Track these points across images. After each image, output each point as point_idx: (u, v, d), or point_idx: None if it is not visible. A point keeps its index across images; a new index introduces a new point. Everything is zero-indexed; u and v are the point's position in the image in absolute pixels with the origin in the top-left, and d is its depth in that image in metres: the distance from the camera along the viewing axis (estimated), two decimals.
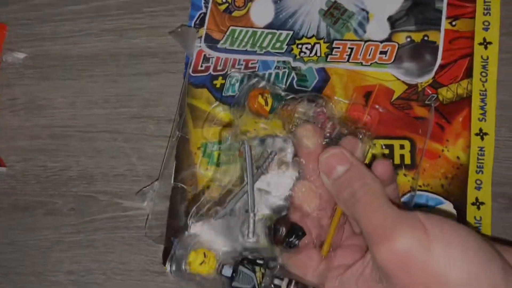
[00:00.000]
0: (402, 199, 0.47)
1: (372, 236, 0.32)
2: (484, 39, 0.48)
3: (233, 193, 0.40)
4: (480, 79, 0.48)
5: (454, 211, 0.47)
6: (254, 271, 0.35)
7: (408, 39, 0.48)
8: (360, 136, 0.39)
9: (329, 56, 0.49)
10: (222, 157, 0.47)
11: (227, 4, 0.50)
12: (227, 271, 0.35)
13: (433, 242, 0.30)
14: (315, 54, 0.49)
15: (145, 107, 0.50)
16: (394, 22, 0.49)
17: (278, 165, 0.40)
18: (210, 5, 0.50)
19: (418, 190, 0.47)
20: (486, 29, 0.48)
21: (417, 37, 0.48)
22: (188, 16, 0.50)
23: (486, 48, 0.48)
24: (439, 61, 0.48)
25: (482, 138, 0.47)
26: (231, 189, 0.41)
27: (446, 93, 0.48)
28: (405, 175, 0.47)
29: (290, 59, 0.49)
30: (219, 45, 0.49)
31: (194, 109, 0.49)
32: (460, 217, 0.46)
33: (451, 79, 0.48)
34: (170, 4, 0.50)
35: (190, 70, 0.49)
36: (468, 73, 0.48)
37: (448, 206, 0.47)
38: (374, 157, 0.45)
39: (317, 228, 0.38)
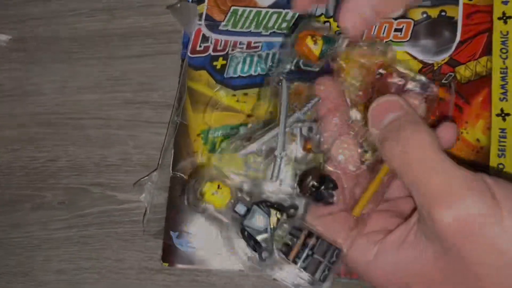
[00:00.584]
0: None
1: (431, 198, 0.26)
2: (504, 13, 0.45)
3: (264, 131, 0.35)
4: (500, 55, 0.45)
5: None
6: (269, 214, 0.32)
7: (424, 15, 0.45)
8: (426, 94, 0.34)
9: (338, 36, 0.45)
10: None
11: None
12: (241, 209, 0.33)
13: (504, 213, 0.25)
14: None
15: (139, 91, 0.46)
16: None
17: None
18: None
19: None
20: (505, 3, 0.45)
21: (434, 12, 0.45)
22: None
23: (505, 22, 0.45)
24: (458, 38, 0.45)
25: (503, 119, 0.44)
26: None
27: (464, 72, 0.45)
28: None
29: None
30: (221, 27, 0.46)
31: (193, 93, 0.45)
32: None
33: (469, 56, 0.45)
34: None
35: (188, 51, 0.45)
36: (487, 50, 0.45)
37: None
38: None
39: (353, 187, 0.34)
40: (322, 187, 0.33)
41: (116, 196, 0.45)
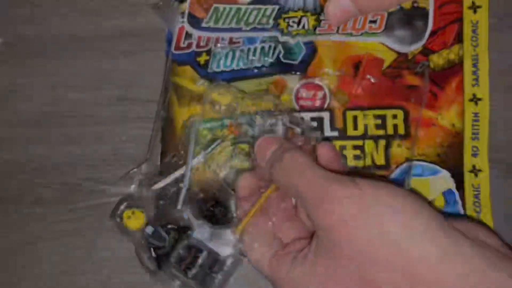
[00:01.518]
0: (397, 170, 0.45)
1: (312, 205, 0.31)
2: (473, 3, 0.47)
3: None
4: (471, 44, 0.47)
5: (451, 180, 0.45)
6: (169, 234, 0.42)
7: (398, 6, 0.47)
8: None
9: (318, 29, 0.47)
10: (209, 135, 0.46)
11: None
12: (149, 229, 0.42)
13: (366, 200, 0.30)
14: (303, 27, 0.47)
15: (126, 88, 0.48)
16: None
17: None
18: None
19: (414, 160, 0.45)
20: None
21: (407, 4, 0.47)
22: None
23: (475, 12, 0.47)
24: (430, 27, 0.47)
25: (476, 104, 0.46)
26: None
27: (437, 60, 0.47)
28: (399, 145, 0.46)
29: (278, 34, 0.47)
30: (203, 24, 0.48)
31: (178, 88, 0.47)
32: (458, 186, 0.45)
33: (442, 45, 0.47)
34: None
35: (172, 48, 0.47)
36: (459, 38, 0.47)
37: (445, 174, 0.46)
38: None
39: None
40: (216, 211, 0.42)
41: (108, 189, 0.47)
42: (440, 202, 0.45)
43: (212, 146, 0.44)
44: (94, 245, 0.47)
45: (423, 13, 0.47)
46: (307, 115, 0.46)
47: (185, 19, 0.47)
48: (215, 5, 0.48)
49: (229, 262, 0.41)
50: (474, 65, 0.47)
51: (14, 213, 0.48)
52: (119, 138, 0.48)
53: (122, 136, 0.48)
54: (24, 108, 0.48)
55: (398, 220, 0.29)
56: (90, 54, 0.49)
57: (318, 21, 0.47)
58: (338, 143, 0.46)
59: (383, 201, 0.30)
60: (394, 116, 0.46)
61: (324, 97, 0.47)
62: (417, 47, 0.47)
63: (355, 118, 0.46)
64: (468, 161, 0.46)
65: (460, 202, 0.45)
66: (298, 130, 0.42)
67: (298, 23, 0.47)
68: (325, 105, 0.47)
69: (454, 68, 0.47)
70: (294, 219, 0.39)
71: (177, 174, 0.43)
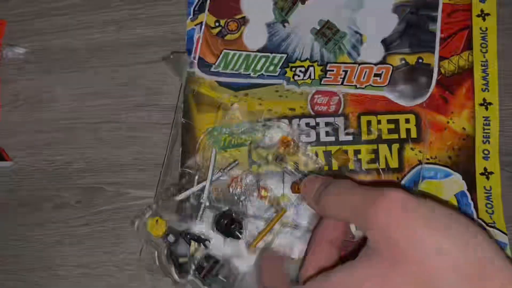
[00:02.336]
0: (411, 173, 0.47)
1: (362, 209, 0.31)
2: (482, 10, 0.49)
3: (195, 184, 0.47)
4: (481, 50, 0.48)
5: (463, 182, 0.47)
6: (189, 244, 0.45)
7: (403, 62, 0.48)
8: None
9: (323, 79, 0.49)
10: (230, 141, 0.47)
11: (220, 28, 0.49)
12: (171, 238, 0.45)
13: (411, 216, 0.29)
14: (309, 77, 0.49)
15: (148, 95, 0.50)
16: (388, 44, 0.49)
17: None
18: (203, 29, 0.49)
19: (426, 163, 0.47)
20: (483, 1, 0.49)
21: (411, 59, 0.48)
22: (186, 3, 0.50)
23: (484, 19, 0.49)
24: (433, 85, 0.48)
25: (486, 108, 0.48)
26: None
27: (448, 66, 0.48)
28: (412, 148, 0.47)
29: (284, 82, 0.49)
30: (212, 69, 0.49)
31: (198, 95, 0.49)
32: (470, 188, 0.46)
33: (452, 51, 0.48)
34: None
35: (191, 57, 0.49)
36: (469, 45, 0.48)
37: (456, 177, 0.47)
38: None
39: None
40: (232, 226, 0.45)
41: (130, 193, 0.49)
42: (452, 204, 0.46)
43: (232, 166, 0.47)
44: (116, 249, 0.48)
45: (427, 70, 0.48)
46: (322, 120, 0.48)
47: (196, 66, 0.49)
48: (225, 50, 0.49)
49: (242, 273, 0.45)
50: (484, 71, 0.48)
51: (38, 216, 0.49)
52: (140, 144, 0.49)
53: (143, 141, 0.49)
54: (48, 116, 0.50)
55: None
56: (112, 63, 0.50)
57: (324, 71, 0.49)
58: (352, 148, 0.47)
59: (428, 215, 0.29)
60: (407, 120, 0.48)
61: (339, 102, 0.48)
62: (419, 102, 0.48)
63: (369, 123, 0.48)
64: (479, 164, 0.47)
65: (472, 204, 0.46)
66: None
67: (305, 73, 0.49)
68: (340, 110, 0.48)
69: (465, 73, 0.48)
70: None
71: (198, 187, 0.46)
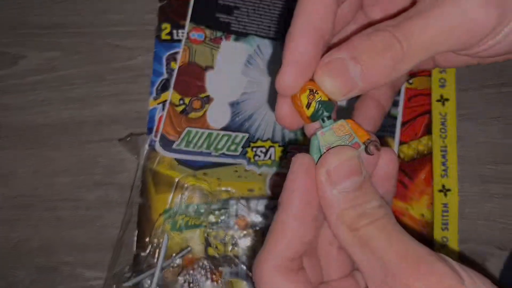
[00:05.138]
0: None
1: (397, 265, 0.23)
2: (441, 95, 0.49)
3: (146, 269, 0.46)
4: (440, 135, 0.48)
5: None
6: None
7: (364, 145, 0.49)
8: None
9: (284, 161, 0.49)
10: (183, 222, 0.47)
11: (184, 106, 0.50)
12: None
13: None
14: (270, 157, 0.49)
15: (107, 174, 0.49)
16: None
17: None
18: (167, 106, 0.50)
19: None
20: (442, 86, 0.49)
21: None
22: (150, 82, 0.50)
23: (443, 104, 0.49)
24: (400, 119, 0.48)
25: (445, 195, 0.47)
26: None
27: (407, 151, 0.48)
28: None
29: (245, 162, 0.49)
30: (174, 146, 0.49)
31: (156, 175, 0.49)
32: None
33: (412, 136, 0.48)
34: (132, 71, 0.51)
35: (152, 135, 0.49)
36: (428, 130, 0.48)
37: None
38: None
39: None
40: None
41: (84, 274, 0.48)
42: None
43: (183, 253, 0.46)
44: None
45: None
46: None
47: (157, 143, 0.49)
48: (188, 128, 0.49)
49: None
50: (443, 156, 0.48)
51: None
52: (98, 223, 0.49)
53: (100, 221, 0.49)
54: (6, 192, 0.50)
55: None
56: (75, 140, 0.50)
57: (285, 153, 0.49)
58: None
59: None
60: None
61: None
62: None
63: None
64: (437, 251, 0.46)
65: None
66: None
67: (266, 153, 0.49)
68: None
69: (424, 159, 0.48)
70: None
71: (148, 273, 0.45)
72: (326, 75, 0.25)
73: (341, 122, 0.26)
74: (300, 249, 0.25)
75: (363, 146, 0.26)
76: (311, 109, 0.26)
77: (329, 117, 0.26)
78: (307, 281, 0.26)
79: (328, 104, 0.26)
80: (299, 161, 0.26)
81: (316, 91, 0.26)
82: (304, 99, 0.26)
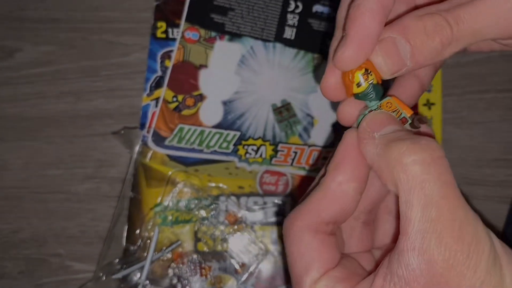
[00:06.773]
0: None
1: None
2: (428, 100, 0.51)
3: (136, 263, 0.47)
4: None
5: None
6: None
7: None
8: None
9: (274, 159, 0.50)
10: (175, 217, 0.48)
11: (177, 103, 0.50)
12: None
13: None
14: (260, 155, 0.50)
15: (99, 167, 0.50)
16: (337, 129, 0.51)
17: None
18: (160, 103, 0.50)
19: None
20: (429, 91, 0.51)
21: None
22: (144, 78, 0.51)
23: (430, 108, 0.51)
24: None
25: None
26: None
27: None
28: None
29: (236, 160, 0.50)
30: (166, 142, 0.50)
31: (148, 169, 0.49)
32: None
33: None
34: (126, 68, 0.51)
35: (145, 131, 0.50)
36: None
37: None
38: None
39: None
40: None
41: (73, 266, 0.48)
42: None
43: (173, 246, 0.47)
44: None
45: None
46: (270, 199, 0.49)
47: (150, 139, 0.50)
48: (180, 125, 0.50)
49: None
50: None
51: None
52: (89, 216, 0.49)
53: (91, 214, 0.49)
54: None
55: None
56: (67, 134, 0.51)
57: (275, 151, 0.50)
58: None
59: None
60: None
61: (287, 182, 0.49)
62: None
63: None
64: None
65: None
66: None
67: (256, 151, 0.50)
68: (288, 191, 0.49)
69: None
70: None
71: (138, 266, 0.46)
72: (379, 53, 0.26)
73: (388, 99, 0.27)
74: (338, 215, 0.26)
75: (409, 121, 0.27)
76: (361, 89, 0.27)
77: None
78: (337, 246, 0.27)
79: (379, 89, 0.27)
80: (349, 134, 0.27)
81: (370, 72, 0.26)
82: (357, 77, 0.26)
